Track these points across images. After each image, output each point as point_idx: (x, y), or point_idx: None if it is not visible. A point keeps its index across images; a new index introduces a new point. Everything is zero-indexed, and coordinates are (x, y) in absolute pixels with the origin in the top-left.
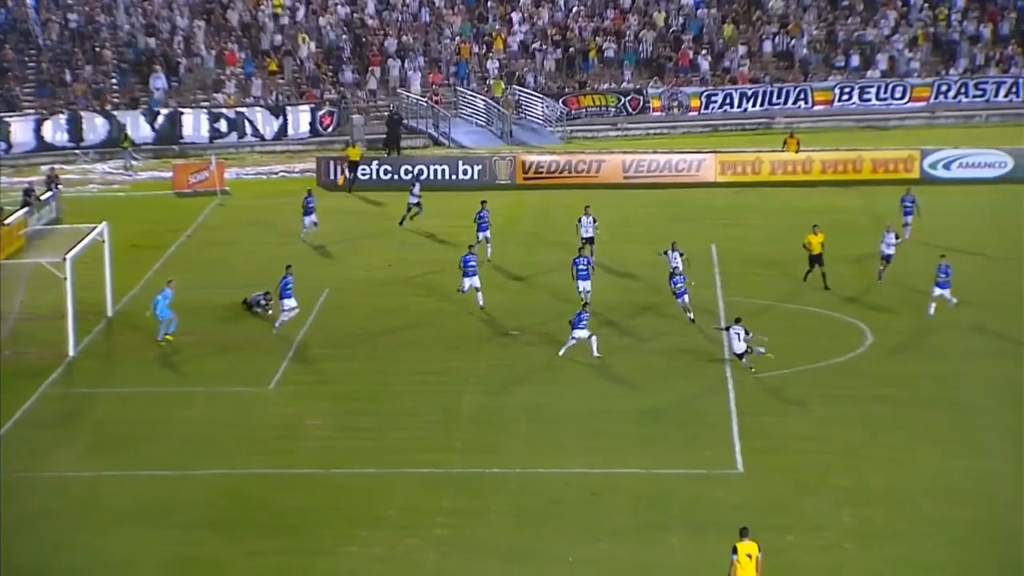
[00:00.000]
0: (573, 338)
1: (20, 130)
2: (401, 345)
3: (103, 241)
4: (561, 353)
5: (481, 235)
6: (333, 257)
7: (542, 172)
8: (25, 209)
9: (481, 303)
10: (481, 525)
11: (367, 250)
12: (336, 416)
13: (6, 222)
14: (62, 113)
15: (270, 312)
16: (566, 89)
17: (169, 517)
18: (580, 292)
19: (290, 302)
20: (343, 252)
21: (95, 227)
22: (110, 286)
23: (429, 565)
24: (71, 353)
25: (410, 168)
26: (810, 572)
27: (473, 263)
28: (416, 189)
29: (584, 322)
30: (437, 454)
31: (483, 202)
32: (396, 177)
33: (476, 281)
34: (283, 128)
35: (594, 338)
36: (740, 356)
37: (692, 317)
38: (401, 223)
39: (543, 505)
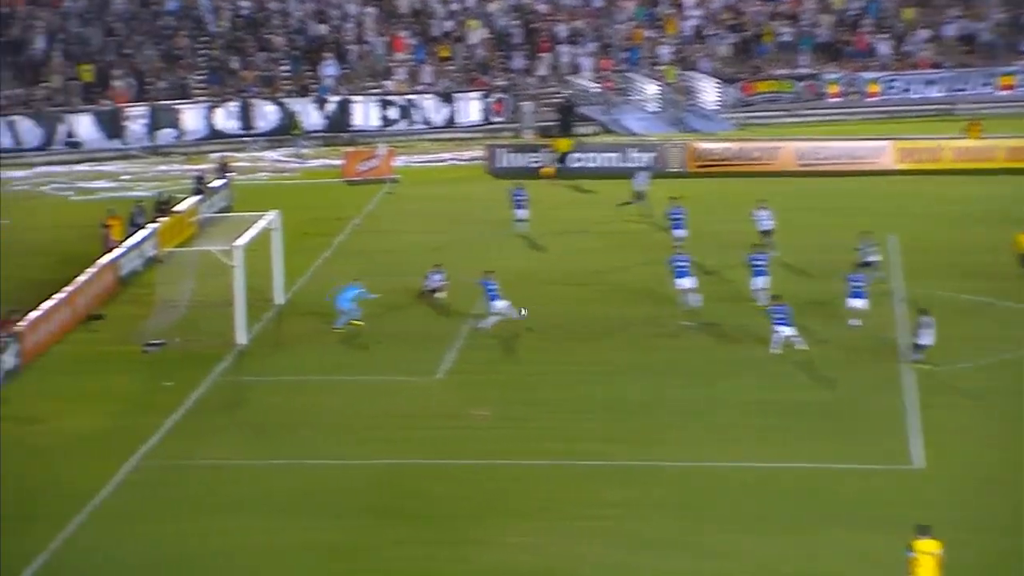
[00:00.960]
0: (778, 332)
1: (191, 118)
2: (570, 336)
3: (273, 229)
4: (773, 350)
5: (678, 233)
6: (507, 247)
7: (714, 160)
8: (197, 197)
9: (693, 304)
10: (643, 517)
11: (543, 241)
12: (502, 406)
13: (177, 210)
14: (233, 100)
15: (443, 295)
16: (740, 74)
17: (326, 506)
18: (757, 290)
19: (500, 303)
20: (515, 242)
21: (265, 215)
22: (279, 274)
23: (592, 557)
24: (240, 341)
25: (580, 156)
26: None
27: (683, 263)
28: (641, 178)
29: (786, 317)
30: (601, 445)
31: (675, 198)
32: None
33: (690, 282)
34: (452, 115)
35: (797, 336)
36: (921, 348)
37: (858, 323)
38: (625, 204)
39: (706, 498)
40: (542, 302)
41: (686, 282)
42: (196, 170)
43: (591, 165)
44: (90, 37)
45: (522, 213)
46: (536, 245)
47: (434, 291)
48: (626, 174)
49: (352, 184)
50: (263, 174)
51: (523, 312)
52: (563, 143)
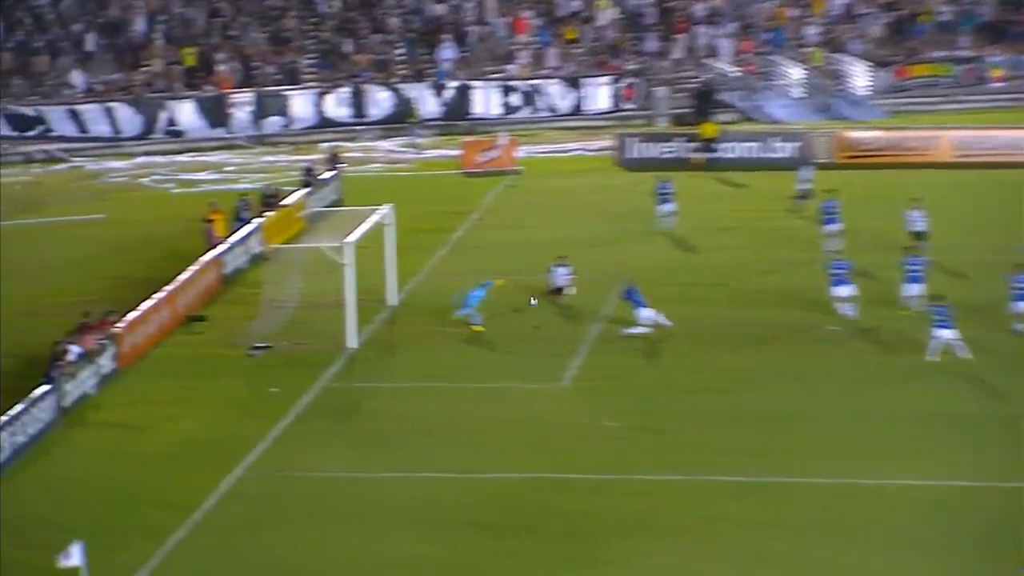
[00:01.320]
0: (936, 337)
1: (300, 104)
2: (712, 340)
3: (386, 224)
4: (930, 357)
5: (830, 229)
6: (640, 243)
7: (865, 150)
8: (305, 190)
9: (849, 314)
10: (782, 537)
11: (684, 237)
12: (633, 416)
13: (285, 203)
14: (344, 87)
15: (561, 298)
16: (893, 57)
17: (444, 521)
18: (911, 297)
19: (646, 312)
20: (650, 238)
21: (378, 209)
22: (393, 273)
23: None
24: (351, 345)
25: (715, 146)
26: None
27: (842, 269)
28: (807, 173)
29: (947, 319)
30: (744, 458)
31: (829, 192)
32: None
33: (849, 290)
34: (579, 102)
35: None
36: None
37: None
38: (798, 199)
39: (858, 517)
40: (682, 304)
41: (844, 290)
42: (305, 161)
43: (729, 156)
44: (193, 18)
45: (667, 208)
46: (677, 242)
47: (559, 289)
48: (767, 165)
49: (471, 176)
50: (376, 165)
51: (533, 301)
52: (709, 128)
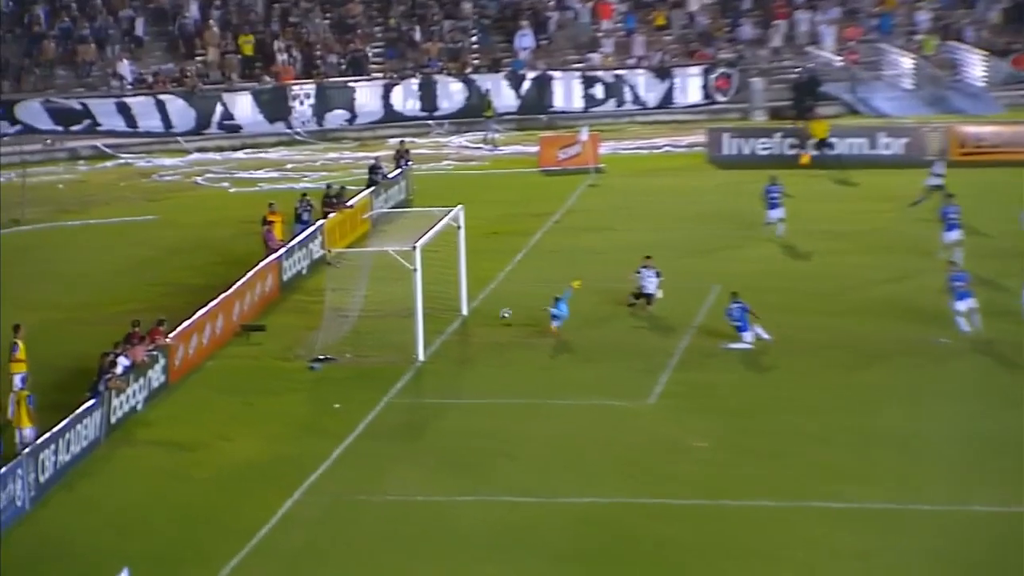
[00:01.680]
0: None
1: (366, 97)
2: (812, 354)
3: (458, 227)
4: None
5: (950, 237)
6: (734, 248)
7: (982, 146)
8: (370, 189)
9: (970, 329)
10: (897, 569)
11: (788, 241)
12: (726, 436)
13: (349, 204)
14: (413, 78)
15: (651, 305)
16: (1013, 46)
17: (525, 548)
18: None
19: (749, 333)
20: (749, 243)
21: (449, 210)
22: (465, 279)
23: None
24: (420, 357)
25: (828, 141)
26: None
27: (962, 282)
28: (939, 168)
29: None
30: (847, 485)
31: (950, 195)
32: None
33: (969, 303)
34: (669, 94)
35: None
36: None
37: None
38: (915, 204)
39: (978, 549)
40: (784, 313)
41: (964, 304)
42: (370, 158)
43: (834, 153)
44: (251, 4)
45: (776, 213)
46: (778, 246)
47: (648, 296)
48: (875, 163)
49: (550, 174)
50: (447, 163)
51: (506, 313)
52: (819, 127)
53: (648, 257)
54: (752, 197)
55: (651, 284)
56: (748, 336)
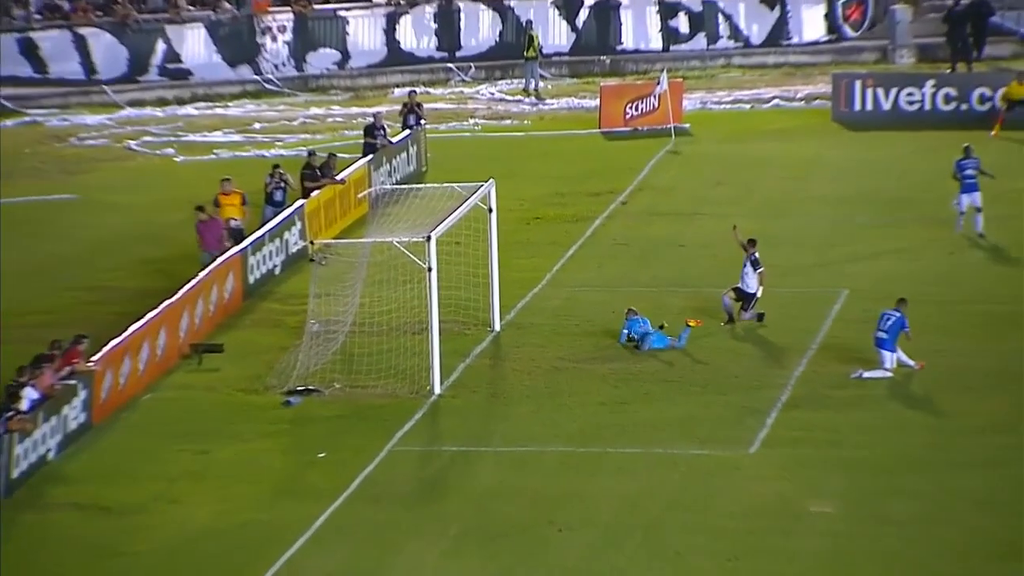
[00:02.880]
0: None
1: (364, 31)
2: (970, 388)
3: (489, 210)
4: None
5: None
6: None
7: None
8: (368, 157)
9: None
10: None
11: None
12: (856, 498)
13: (339, 178)
14: (428, 4)
15: (747, 313)
16: None
17: None
18: None
19: (892, 356)
20: (907, 235)
21: (477, 187)
22: (497, 283)
23: None
24: (436, 389)
25: (988, 93)
26: None
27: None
28: None
29: None
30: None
31: None
32: (964, 107)
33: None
34: (780, 27)
35: None
36: None
37: None
38: None
39: None
40: (943, 336)
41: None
42: (368, 115)
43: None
44: None
45: (970, 198)
46: (944, 242)
47: (747, 297)
48: None
49: (614, 138)
50: (473, 121)
51: (315, 326)
52: (1018, 88)
53: (751, 242)
54: (894, 169)
55: (751, 281)
56: (889, 361)
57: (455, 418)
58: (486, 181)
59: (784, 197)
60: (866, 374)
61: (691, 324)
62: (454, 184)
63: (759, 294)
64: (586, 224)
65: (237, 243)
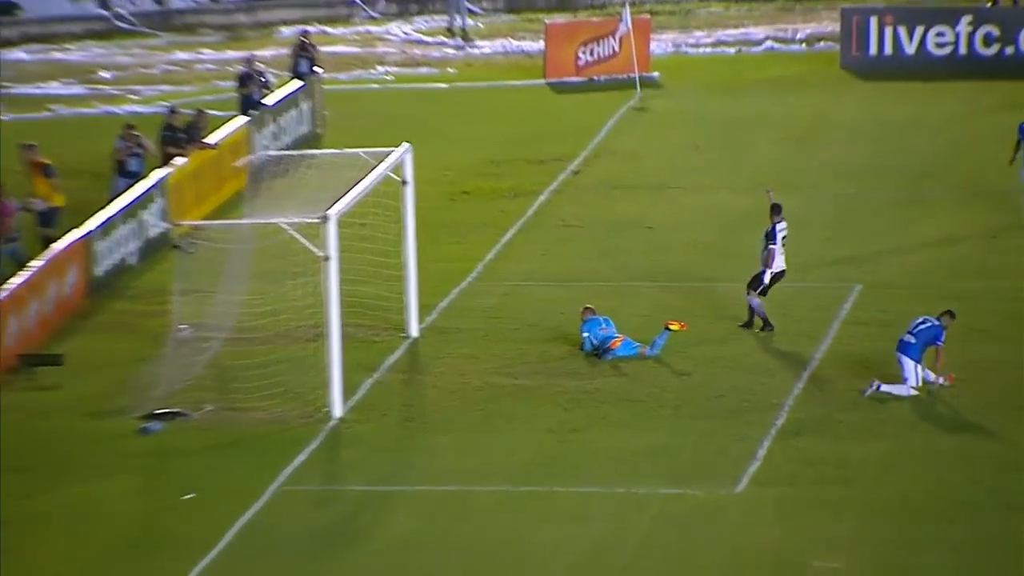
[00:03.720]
0: None
1: None
2: (1015, 409)
3: (403, 183)
4: None
5: None
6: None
7: None
8: (247, 115)
9: None
10: None
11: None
12: (873, 550)
13: (211, 142)
14: None
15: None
16: None
17: None
18: None
19: (916, 367)
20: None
21: (389, 153)
22: (414, 274)
23: None
24: (336, 411)
25: None
26: None
27: None
28: None
29: None
30: None
31: None
32: (1010, 50)
33: None
34: None
35: None
36: None
37: None
38: None
39: None
40: (983, 343)
41: None
42: (246, 61)
43: None
44: None
45: None
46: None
47: (775, 276)
48: None
49: (562, 91)
50: (384, 69)
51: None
52: None
53: (778, 212)
54: (920, 130)
55: (780, 258)
56: (912, 373)
57: (361, 449)
58: (399, 146)
59: (781, 167)
60: (884, 387)
61: (672, 328)
62: (359, 150)
63: (766, 279)
64: (528, 201)
65: (45, 229)
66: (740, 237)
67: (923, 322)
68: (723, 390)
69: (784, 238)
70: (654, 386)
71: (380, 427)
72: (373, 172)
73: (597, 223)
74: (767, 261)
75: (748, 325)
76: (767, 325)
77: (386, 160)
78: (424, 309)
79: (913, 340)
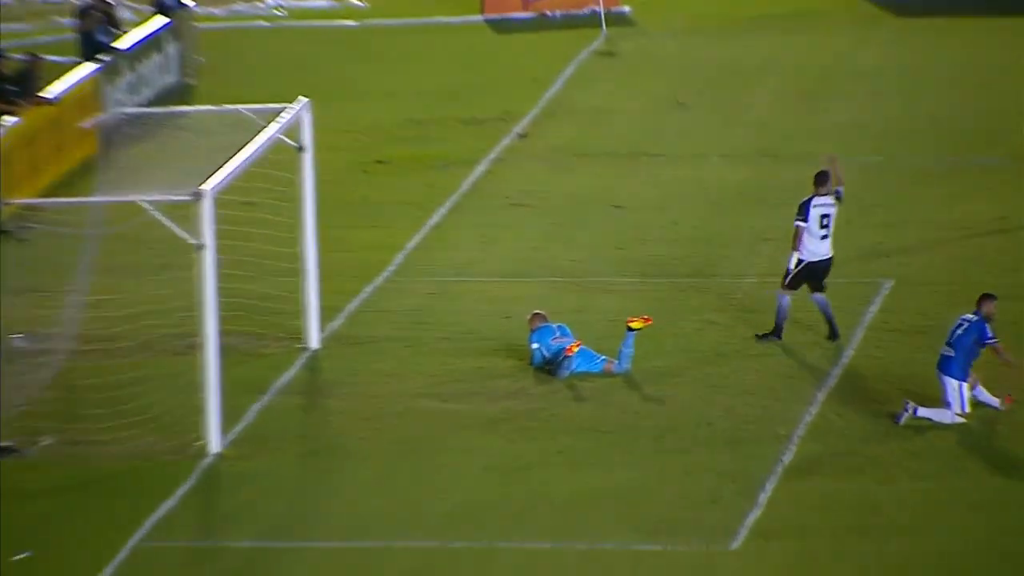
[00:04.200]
0: None
1: None
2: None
3: (300, 149)
4: None
5: None
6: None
7: None
8: (97, 61)
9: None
10: None
11: None
12: None
13: (49, 96)
14: None
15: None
16: None
17: None
18: None
19: (960, 388)
20: None
21: (279, 112)
22: (315, 268)
23: None
24: (214, 445)
25: None
26: None
27: None
28: None
29: None
30: None
31: None
32: None
33: None
34: None
35: None
36: None
37: None
38: None
39: None
40: None
41: None
42: None
43: None
44: None
45: None
46: None
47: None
48: None
49: (505, 30)
50: (273, 1)
51: None
52: None
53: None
54: (967, 79)
55: (815, 242)
56: (956, 396)
57: (247, 493)
58: (295, 102)
59: (789, 127)
60: (922, 412)
61: (634, 326)
62: (241, 107)
63: (791, 266)
64: (463, 171)
65: None
66: (736, 219)
67: (959, 325)
68: (714, 416)
69: (825, 217)
70: (625, 411)
71: (272, 464)
72: (261, 135)
73: (551, 201)
74: (794, 243)
75: (773, 335)
76: (774, 333)
77: (278, 120)
78: (328, 313)
79: (952, 352)
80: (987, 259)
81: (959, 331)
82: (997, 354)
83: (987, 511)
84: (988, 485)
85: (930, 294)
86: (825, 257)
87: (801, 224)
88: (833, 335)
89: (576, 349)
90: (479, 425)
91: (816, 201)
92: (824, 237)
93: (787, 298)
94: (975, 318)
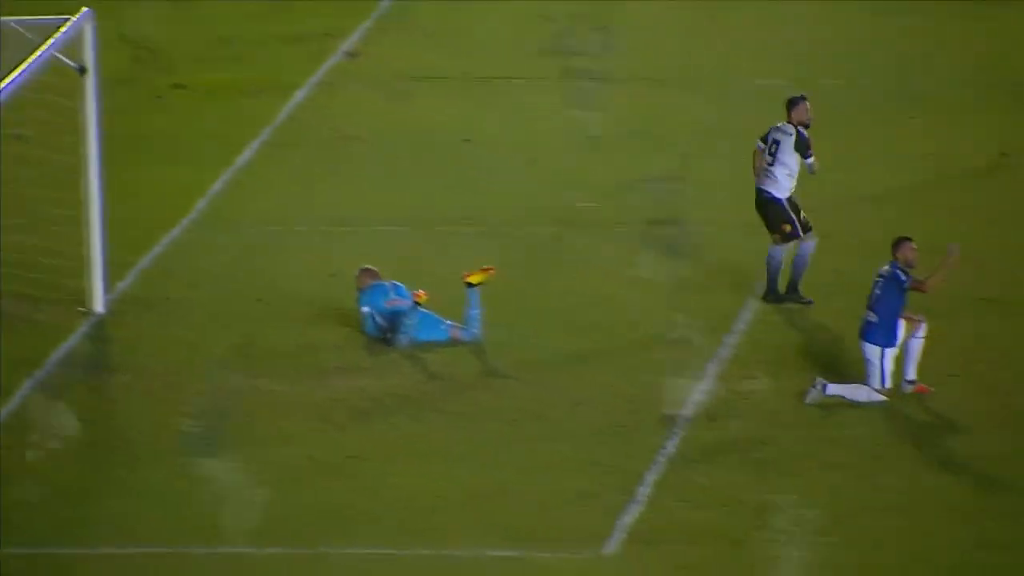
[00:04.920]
0: None
1: None
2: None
3: (81, 71)
4: None
5: None
6: None
7: None
8: None
9: None
10: None
11: None
12: None
13: None
14: None
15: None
16: None
17: None
18: None
19: (885, 355)
20: None
21: (58, 23)
22: (98, 215)
23: None
24: None
25: None
26: None
27: None
28: None
29: None
30: None
31: None
32: None
33: None
34: None
35: None
36: None
37: None
38: None
39: None
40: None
41: None
42: None
43: None
44: None
45: None
46: None
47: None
48: None
49: None
50: None
51: None
52: None
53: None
54: None
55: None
56: (879, 366)
57: (18, 490)
58: (75, 14)
59: (694, 45)
60: (832, 389)
61: (473, 281)
62: (8, 18)
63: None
64: (280, 99)
65: None
66: (622, 158)
67: (876, 282)
68: (586, 397)
69: (776, 144)
70: (479, 390)
71: (47, 456)
72: (34, 55)
73: (386, 134)
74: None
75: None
76: (769, 292)
77: (54, 36)
78: (117, 270)
79: (874, 317)
80: (923, 208)
81: (877, 290)
82: (922, 288)
83: (910, 514)
84: (911, 481)
85: (849, 250)
86: (785, 196)
87: (760, 148)
88: (770, 295)
89: (425, 298)
90: (300, 407)
91: (777, 130)
92: (787, 176)
93: (779, 250)
94: (890, 269)
